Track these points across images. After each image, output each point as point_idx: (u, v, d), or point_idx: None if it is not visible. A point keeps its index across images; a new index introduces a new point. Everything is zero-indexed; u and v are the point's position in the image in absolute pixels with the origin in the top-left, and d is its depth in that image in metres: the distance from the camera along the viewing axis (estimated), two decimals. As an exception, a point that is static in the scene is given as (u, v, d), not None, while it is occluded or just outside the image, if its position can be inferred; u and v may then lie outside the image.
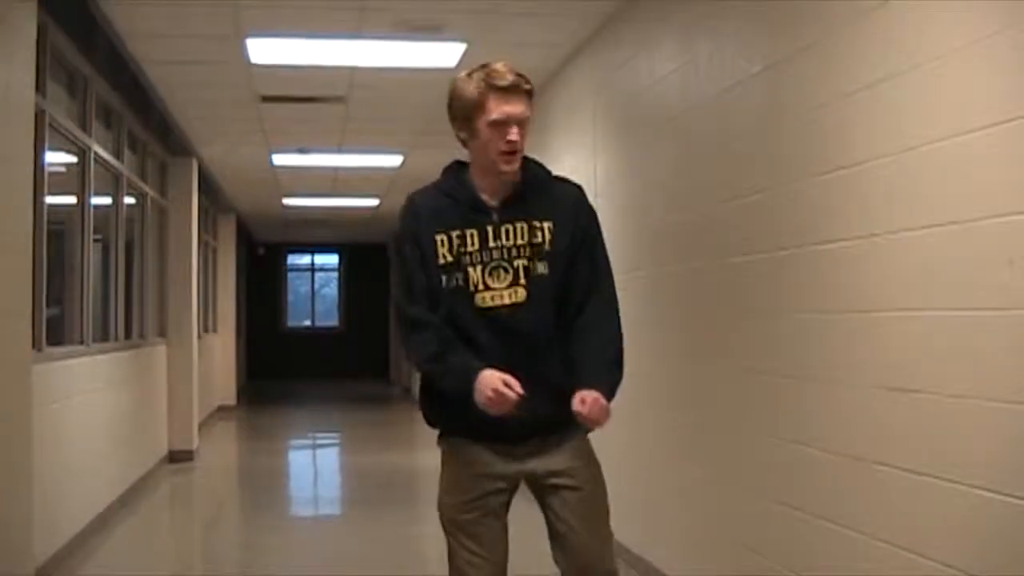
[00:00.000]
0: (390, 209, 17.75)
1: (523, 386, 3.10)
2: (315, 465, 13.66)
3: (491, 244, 3.27)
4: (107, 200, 8.79)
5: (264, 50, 7.64)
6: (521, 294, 3.26)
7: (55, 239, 6.82)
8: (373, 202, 17.05)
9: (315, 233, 23.43)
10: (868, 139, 3.76)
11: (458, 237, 3.27)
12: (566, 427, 3.29)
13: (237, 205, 17.63)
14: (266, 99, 9.28)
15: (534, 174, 3.40)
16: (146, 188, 10.31)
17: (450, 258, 3.27)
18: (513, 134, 3.21)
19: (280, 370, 25.06)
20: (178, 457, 11.40)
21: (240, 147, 11.95)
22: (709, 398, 5.19)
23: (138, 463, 9.65)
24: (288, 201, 16.91)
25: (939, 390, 3.35)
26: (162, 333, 11.42)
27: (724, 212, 4.98)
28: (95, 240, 7.99)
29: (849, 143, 3.91)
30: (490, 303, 3.26)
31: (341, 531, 8.60)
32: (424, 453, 13.12)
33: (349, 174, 13.84)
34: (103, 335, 8.44)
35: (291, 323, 27.04)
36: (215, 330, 17.29)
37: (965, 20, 3.24)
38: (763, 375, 4.58)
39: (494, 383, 3.08)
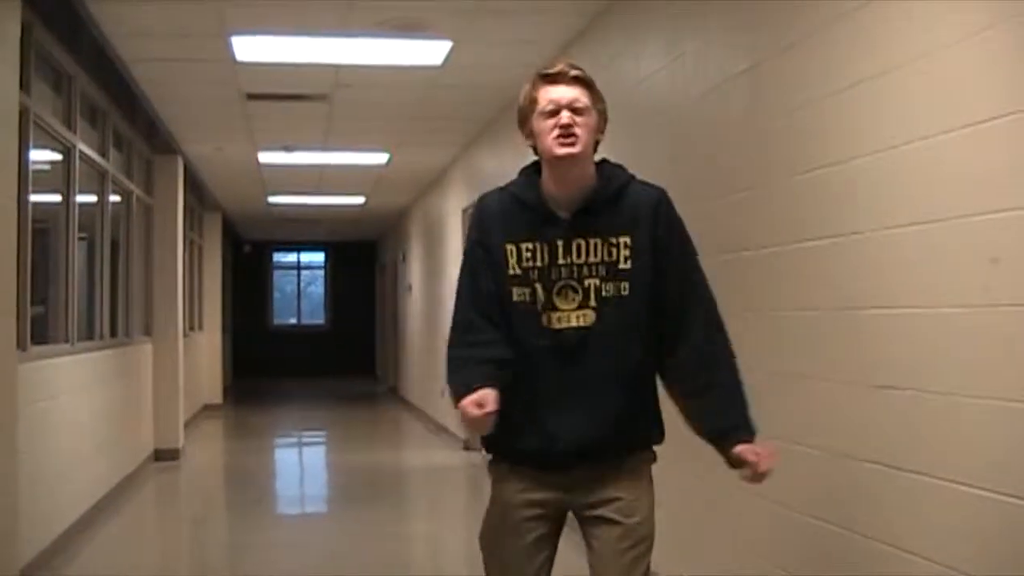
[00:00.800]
0: (376, 207, 17.77)
1: (574, 410, 2.98)
2: (301, 463, 13.66)
3: (560, 261, 3.01)
4: (92, 198, 8.77)
5: (249, 48, 7.64)
6: (590, 317, 3.00)
7: (40, 237, 6.80)
8: (359, 200, 17.04)
9: (301, 231, 23.41)
10: (852, 137, 3.78)
11: (527, 250, 3.02)
12: (624, 456, 3.08)
13: (223, 203, 17.60)
14: (251, 97, 9.27)
15: (609, 179, 3.09)
16: (131, 186, 10.28)
17: (519, 271, 3.03)
18: (564, 117, 2.96)
19: (266, 368, 25.01)
20: (164, 456, 11.37)
21: (226, 145, 11.93)
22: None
23: (124, 462, 9.63)
24: (274, 199, 16.89)
25: (924, 387, 3.36)
26: (148, 332, 11.39)
27: (709, 211, 4.99)
28: (80, 238, 7.97)
29: (833, 141, 3.92)
30: (556, 325, 3.01)
31: (328, 529, 8.59)
32: (410, 452, 13.15)
33: (335, 172, 13.84)
34: (88, 334, 8.42)
35: (277, 321, 26.99)
36: (201, 328, 17.25)
37: (946, 20, 3.25)
38: (749, 373, 4.59)
39: (467, 405, 2.85)
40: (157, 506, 9.97)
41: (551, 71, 3.02)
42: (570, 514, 3.16)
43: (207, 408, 17.14)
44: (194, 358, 15.35)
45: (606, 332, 3.00)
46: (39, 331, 6.77)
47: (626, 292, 3.00)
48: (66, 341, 7.43)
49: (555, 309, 3.00)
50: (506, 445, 3.08)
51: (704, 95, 5.11)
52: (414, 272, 17.64)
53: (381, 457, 12.32)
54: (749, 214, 4.63)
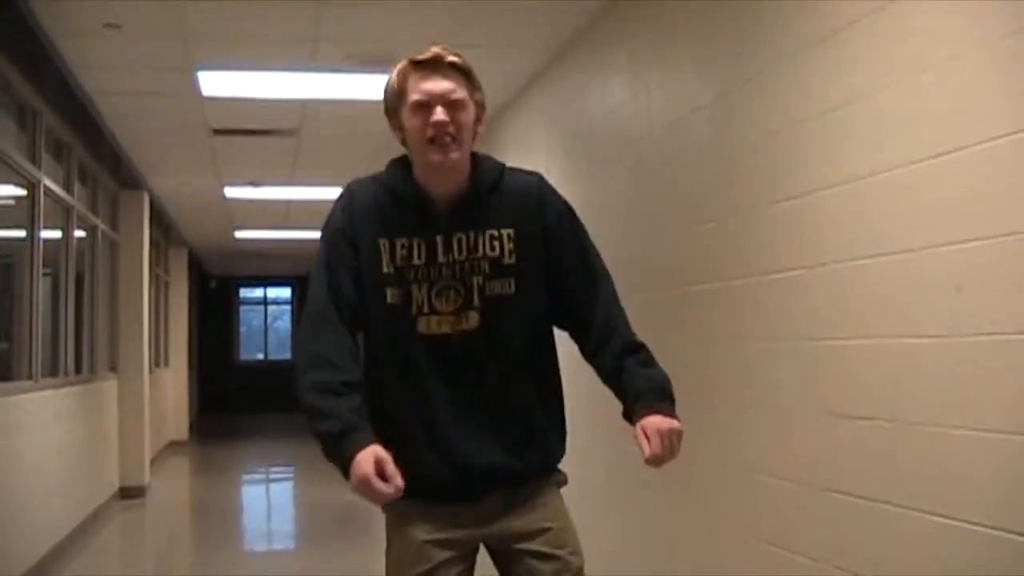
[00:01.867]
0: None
1: (474, 430, 2.62)
2: (268, 499, 13.55)
3: (440, 259, 2.65)
4: (57, 233, 8.72)
5: (216, 83, 7.63)
6: (473, 319, 2.64)
7: (3, 273, 6.75)
8: (326, 234, 16.99)
9: (268, 266, 23.33)
10: (818, 168, 3.80)
11: (403, 247, 2.66)
12: (538, 481, 2.71)
13: (189, 238, 17.53)
14: (218, 132, 9.26)
15: (485, 170, 2.76)
16: (97, 221, 10.23)
17: (392, 269, 2.65)
18: (438, 114, 2.61)
19: (233, 404, 24.85)
20: (129, 493, 11.26)
21: (192, 180, 11.89)
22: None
23: (88, 500, 9.53)
24: (240, 234, 16.84)
25: (889, 417, 3.38)
26: (113, 367, 11.30)
27: (677, 242, 5.01)
28: (45, 274, 7.91)
29: (799, 172, 3.94)
30: (435, 329, 2.64)
31: (295, 566, 8.53)
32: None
33: (301, 207, 13.81)
34: (53, 370, 8.34)
35: (244, 356, 26.86)
36: (167, 364, 17.15)
37: (913, 51, 3.28)
38: (715, 403, 4.60)
39: (363, 470, 2.39)
40: (122, 544, 9.86)
41: (423, 57, 2.67)
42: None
43: (173, 444, 17.00)
44: (160, 394, 15.24)
45: (492, 335, 2.65)
46: (2, 367, 6.70)
47: (512, 289, 2.66)
48: (29, 378, 7.36)
49: (433, 312, 2.64)
50: (407, 479, 2.43)
51: (670, 126, 5.14)
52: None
53: (349, 492, 12.20)
54: (715, 245, 4.65)
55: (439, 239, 2.66)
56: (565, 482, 2.78)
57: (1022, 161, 2.80)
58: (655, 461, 2.46)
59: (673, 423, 2.50)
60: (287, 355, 26.83)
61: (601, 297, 2.75)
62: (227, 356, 26.12)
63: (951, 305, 3.08)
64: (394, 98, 2.71)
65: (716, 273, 4.64)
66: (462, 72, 2.68)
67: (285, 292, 27.16)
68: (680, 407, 2.55)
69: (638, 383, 2.62)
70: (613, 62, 5.98)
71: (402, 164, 2.78)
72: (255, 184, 12.05)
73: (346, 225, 2.71)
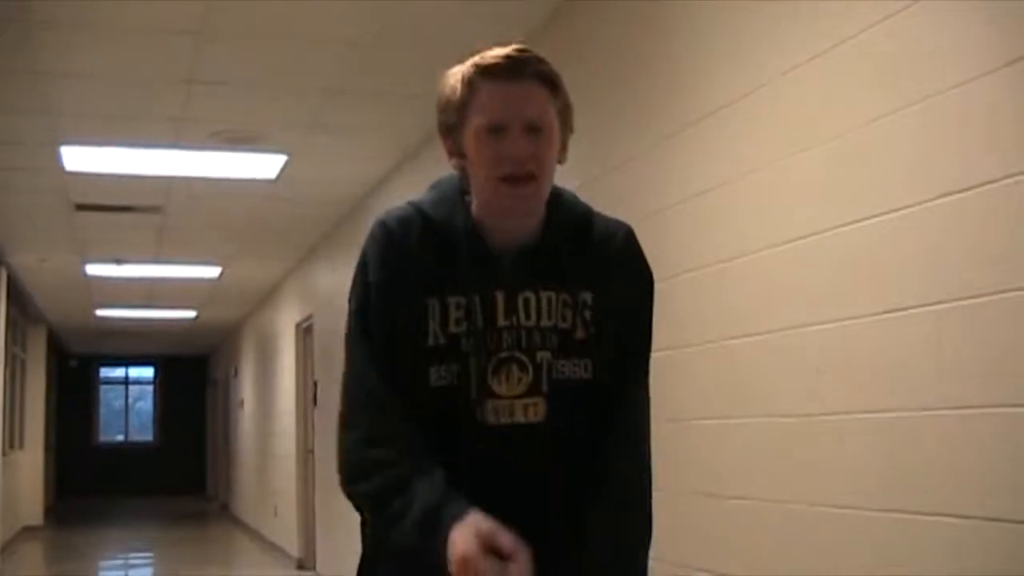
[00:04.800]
0: (207, 321, 17.47)
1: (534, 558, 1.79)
2: (127, 586, 13.16)
3: (501, 322, 1.96)
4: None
5: (79, 158, 7.49)
6: (540, 409, 1.96)
7: None
8: (190, 314, 16.75)
9: (130, 345, 22.84)
10: (681, 253, 3.86)
11: (457, 307, 1.96)
12: None
13: (48, 316, 17.08)
14: (80, 207, 9.07)
15: (567, 212, 2.09)
16: (-50, 299, 9.92)
17: (443, 339, 1.95)
18: (518, 145, 1.91)
19: (93, 487, 24.14)
20: (-21, 582, 10.84)
21: (52, 256, 11.62)
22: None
23: (-65, 589, 9.14)
24: (102, 312, 16.47)
25: (754, 496, 3.42)
26: (-36, 450, 10.91)
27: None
28: None
29: (663, 257, 4.00)
30: (494, 420, 1.94)
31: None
32: (242, 571, 12.77)
33: (166, 285, 13.59)
34: (-100, 453, 8.02)
35: (104, 438, 26.15)
36: (22, 447, 16.59)
37: (770, 139, 3.37)
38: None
39: (465, 550, 1.72)
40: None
41: (499, 58, 1.93)
42: None
43: (27, 530, 16.40)
44: (14, 478, 14.72)
45: (559, 433, 1.98)
46: None
47: (588, 374, 2.01)
48: None
49: (493, 396, 1.95)
50: None
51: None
52: (246, 387, 17.34)
53: (211, 578, 11.94)
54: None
55: (500, 297, 1.97)
56: None
57: (879, 245, 2.88)
58: None
59: None
60: (148, 436, 26.23)
61: (626, 416, 2.12)
62: (86, 437, 25.41)
63: (812, 385, 3.14)
64: (452, 113, 1.98)
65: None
66: (550, 84, 1.97)
67: (148, 372, 26.59)
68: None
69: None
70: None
71: (453, 191, 2.07)
72: (119, 261, 11.82)
73: (382, 277, 1.98)
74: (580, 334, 2.00)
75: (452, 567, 1.74)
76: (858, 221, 2.95)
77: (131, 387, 26.90)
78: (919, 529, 2.70)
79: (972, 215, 2.55)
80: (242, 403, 17.55)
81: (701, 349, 3.74)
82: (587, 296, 2.02)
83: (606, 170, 4.44)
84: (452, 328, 1.94)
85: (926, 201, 2.70)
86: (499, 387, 1.94)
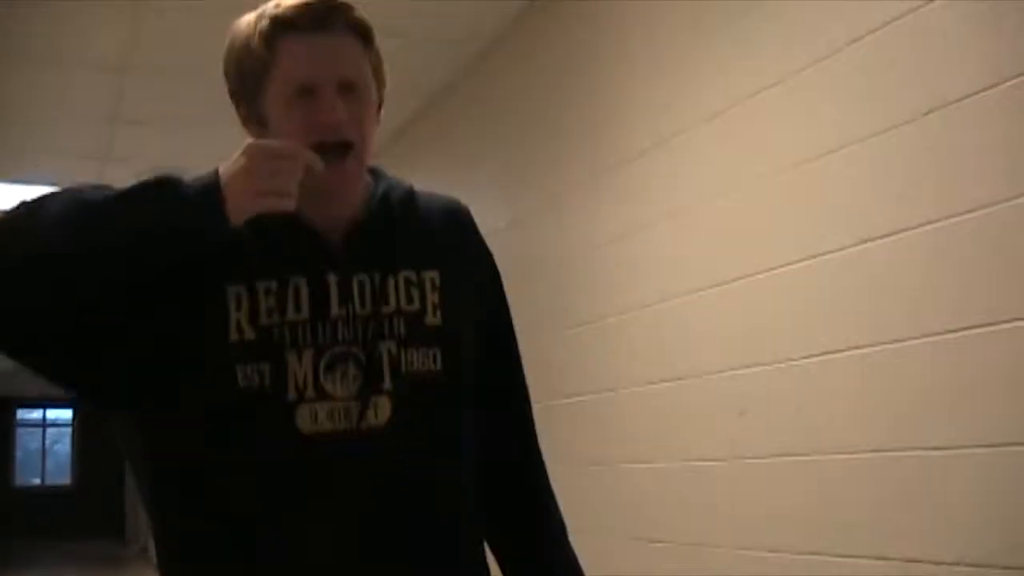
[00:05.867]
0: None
1: None
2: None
3: (334, 311, 1.62)
4: None
5: (1, 195, 7.36)
6: (383, 410, 1.61)
7: None
8: (112, 354, 16.49)
9: (48, 387, 22.33)
10: (610, 293, 3.88)
11: (271, 294, 1.60)
12: None
13: (-36, 357, 16.74)
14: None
15: (391, 186, 1.81)
16: None
17: (251, 334, 1.58)
18: (330, 106, 1.60)
19: (7, 531, 23.61)
20: None
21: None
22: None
23: None
24: (20, 353, 16.16)
25: (675, 539, 3.42)
26: None
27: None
28: None
29: (591, 298, 4.01)
30: (319, 427, 1.57)
31: None
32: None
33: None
34: None
35: (19, 482, 25.61)
36: (-66, 490, 16.22)
37: (692, 182, 3.41)
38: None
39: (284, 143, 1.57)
40: None
41: (301, 6, 1.61)
42: None
43: (-62, 576, 16.01)
44: (-74, 521, 14.37)
45: (411, 436, 1.63)
46: None
47: (438, 365, 1.67)
48: None
49: (321, 397, 1.59)
50: None
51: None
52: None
53: None
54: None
55: (332, 280, 1.64)
56: None
57: (800, 288, 2.91)
58: None
59: None
60: (67, 480, 25.73)
61: (521, 425, 1.98)
62: (2, 480, 24.88)
63: (736, 428, 3.16)
64: (247, 75, 1.65)
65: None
66: (363, 35, 1.66)
67: (66, 414, 26.11)
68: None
69: None
70: (412, 180, 6.00)
71: None
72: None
73: None
74: (430, 318, 1.68)
75: (280, 153, 1.54)
76: (781, 266, 2.98)
77: (48, 429, 26.40)
78: (842, 572, 2.72)
79: (896, 261, 2.59)
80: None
81: (627, 393, 3.75)
82: (433, 275, 1.72)
83: (537, 208, 4.45)
84: (264, 319, 1.59)
85: (849, 247, 2.74)
86: (332, 387, 1.58)
